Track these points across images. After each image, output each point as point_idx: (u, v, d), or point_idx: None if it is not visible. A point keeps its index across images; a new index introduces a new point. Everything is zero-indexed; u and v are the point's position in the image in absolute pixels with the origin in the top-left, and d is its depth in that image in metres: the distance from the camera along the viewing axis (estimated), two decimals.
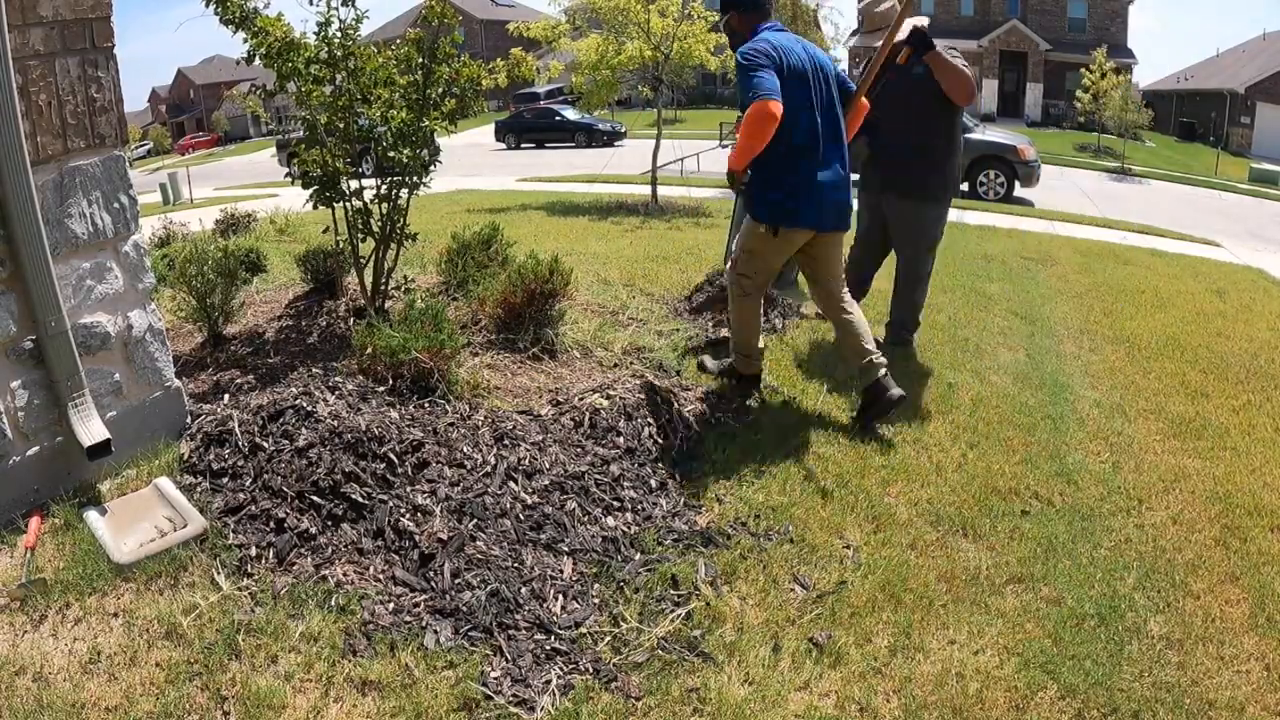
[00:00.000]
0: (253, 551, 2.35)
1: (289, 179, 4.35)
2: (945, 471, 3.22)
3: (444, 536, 2.45)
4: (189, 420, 2.88)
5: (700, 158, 18.60)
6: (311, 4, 3.70)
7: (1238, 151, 29.23)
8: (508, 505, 2.65)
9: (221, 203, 12.38)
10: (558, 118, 27.03)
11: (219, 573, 2.27)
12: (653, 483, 2.95)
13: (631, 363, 3.89)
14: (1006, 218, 11.18)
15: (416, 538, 2.44)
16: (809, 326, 4.64)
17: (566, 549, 2.54)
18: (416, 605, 2.25)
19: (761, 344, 3.58)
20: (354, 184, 3.89)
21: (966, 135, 13.67)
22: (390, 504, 2.55)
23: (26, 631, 2.05)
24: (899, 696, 2.11)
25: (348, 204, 3.90)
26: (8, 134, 2.19)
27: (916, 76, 3.82)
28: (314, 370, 3.33)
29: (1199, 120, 34.53)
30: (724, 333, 4.07)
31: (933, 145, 3.99)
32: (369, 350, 3.21)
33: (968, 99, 3.80)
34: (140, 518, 2.42)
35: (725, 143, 22.02)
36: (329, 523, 2.48)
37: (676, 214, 9.64)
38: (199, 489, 2.56)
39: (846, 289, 3.52)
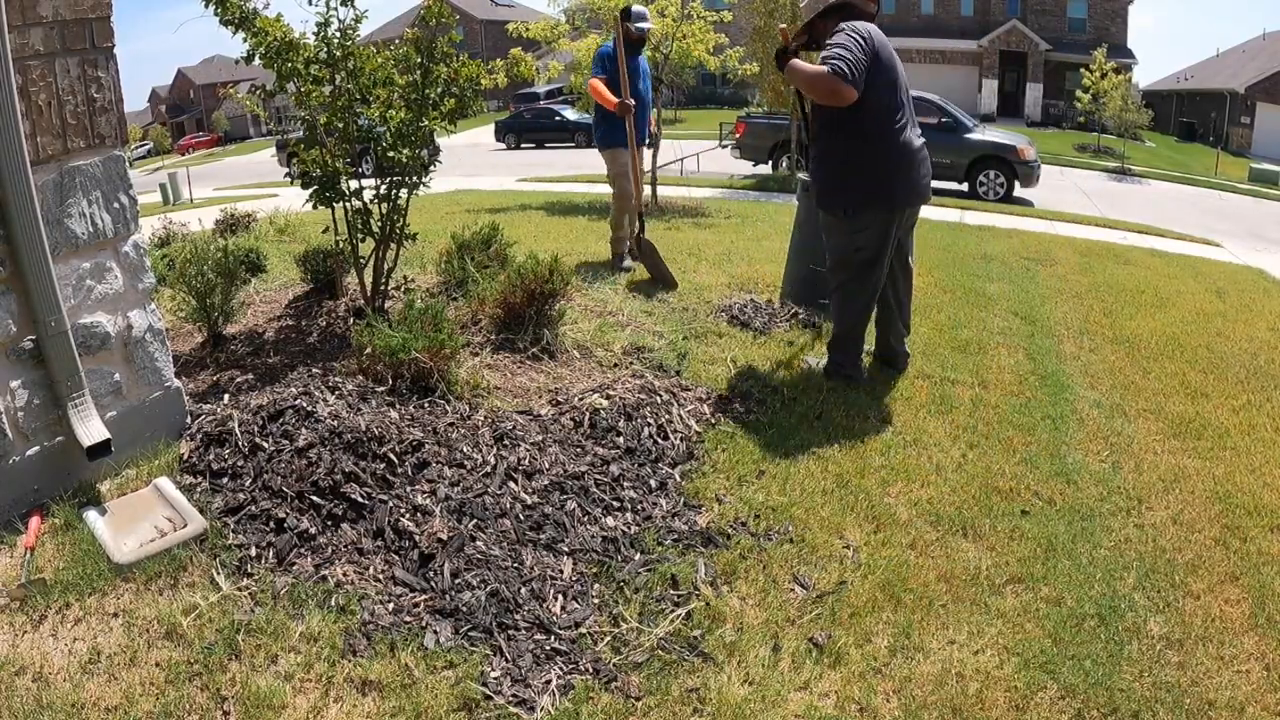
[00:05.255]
0: (253, 551, 2.35)
1: (289, 179, 4.35)
2: (945, 471, 3.22)
3: (444, 536, 2.45)
4: (189, 420, 2.88)
5: (700, 158, 18.59)
6: (311, 4, 3.71)
7: (1238, 151, 29.21)
8: (508, 505, 2.65)
9: (221, 203, 12.38)
10: (558, 118, 27.02)
11: (219, 573, 2.27)
12: (653, 483, 2.95)
13: (631, 363, 3.89)
14: (1006, 218, 11.17)
15: (416, 538, 2.44)
16: (806, 328, 4.64)
17: (566, 549, 2.54)
18: (416, 605, 2.25)
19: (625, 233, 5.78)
20: (354, 184, 3.89)
21: (966, 135, 13.70)
22: (390, 504, 2.55)
23: (26, 631, 2.05)
24: (899, 696, 2.11)
25: (347, 204, 3.90)
26: (8, 134, 2.19)
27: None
28: (314, 370, 3.33)
29: (1199, 120, 34.52)
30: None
31: (822, 154, 3.68)
32: (369, 350, 3.21)
33: (829, 97, 3.35)
34: (140, 518, 2.42)
35: (725, 142, 22.03)
36: (329, 523, 2.48)
37: (676, 214, 9.63)
38: (199, 489, 2.56)
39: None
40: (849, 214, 3.62)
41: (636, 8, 5.66)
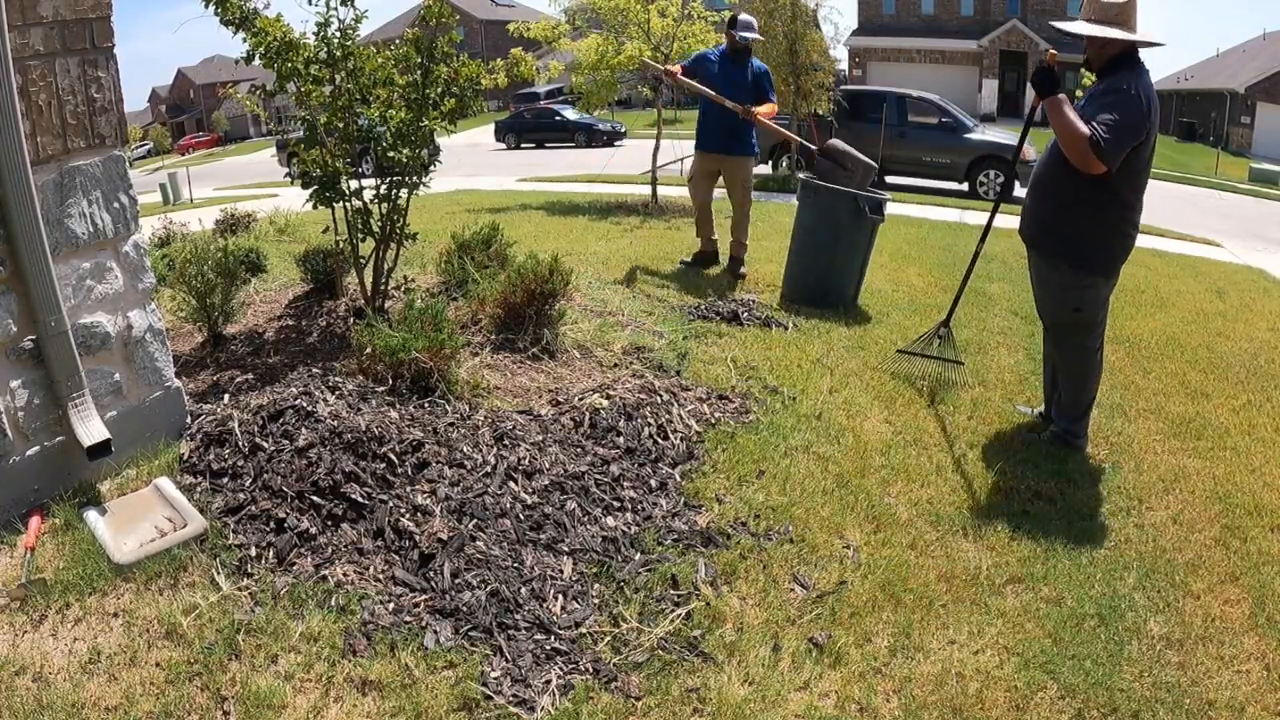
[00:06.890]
0: (253, 551, 2.35)
1: (289, 179, 4.35)
2: (945, 471, 3.22)
3: (444, 536, 2.45)
4: (189, 420, 2.87)
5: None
6: (311, 4, 3.70)
7: (1238, 151, 29.21)
8: (508, 505, 2.65)
9: (221, 203, 12.36)
10: (558, 118, 27.03)
11: (219, 573, 2.27)
12: (653, 483, 2.95)
13: (631, 363, 3.89)
14: (1007, 218, 11.13)
15: (416, 538, 2.44)
16: (809, 328, 4.65)
17: (566, 549, 2.54)
18: (416, 605, 2.25)
19: (714, 236, 5.95)
20: (354, 184, 3.89)
21: (966, 135, 13.70)
22: (390, 504, 2.55)
23: (26, 631, 2.05)
24: (899, 696, 2.11)
25: (348, 204, 3.90)
26: (8, 134, 2.19)
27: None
28: (314, 370, 3.33)
29: (1199, 120, 34.52)
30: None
31: (1065, 199, 3.20)
32: (369, 350, 3.21)
33: (1078, 162, 2.95)
34: (140, 518, 2.42)
35: None
36: (329, 523, 2.48)
37: (676, 214, 9.61)
38: (199, 489, 2.56)
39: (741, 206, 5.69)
40: (1107, 275, 3.35)
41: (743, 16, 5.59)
